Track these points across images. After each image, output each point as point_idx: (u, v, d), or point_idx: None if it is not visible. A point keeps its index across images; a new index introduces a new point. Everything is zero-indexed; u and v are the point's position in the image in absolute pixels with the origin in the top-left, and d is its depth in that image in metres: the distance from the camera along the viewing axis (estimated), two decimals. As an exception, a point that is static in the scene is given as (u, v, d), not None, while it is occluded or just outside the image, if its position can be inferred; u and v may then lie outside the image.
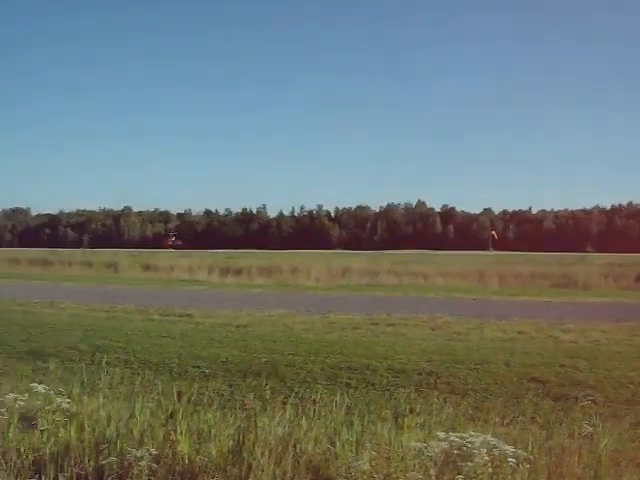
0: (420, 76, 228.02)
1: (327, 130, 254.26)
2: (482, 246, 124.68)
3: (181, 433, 5.67)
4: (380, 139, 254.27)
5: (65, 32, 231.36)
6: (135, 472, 5.03)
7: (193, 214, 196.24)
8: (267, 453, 5.35)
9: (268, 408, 6.67)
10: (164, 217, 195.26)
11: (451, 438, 5.23)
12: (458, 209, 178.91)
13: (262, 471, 5.16)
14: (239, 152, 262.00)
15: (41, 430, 5.84)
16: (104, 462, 5.24)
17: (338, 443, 5.64)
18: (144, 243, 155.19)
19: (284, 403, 7.22)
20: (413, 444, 5.39)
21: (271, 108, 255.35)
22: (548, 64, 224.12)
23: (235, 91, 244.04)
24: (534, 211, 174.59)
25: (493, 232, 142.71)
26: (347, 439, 5.76)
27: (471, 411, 8.33)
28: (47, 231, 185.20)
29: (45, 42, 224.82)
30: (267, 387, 8.11)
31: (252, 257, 58.81)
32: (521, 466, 4.94)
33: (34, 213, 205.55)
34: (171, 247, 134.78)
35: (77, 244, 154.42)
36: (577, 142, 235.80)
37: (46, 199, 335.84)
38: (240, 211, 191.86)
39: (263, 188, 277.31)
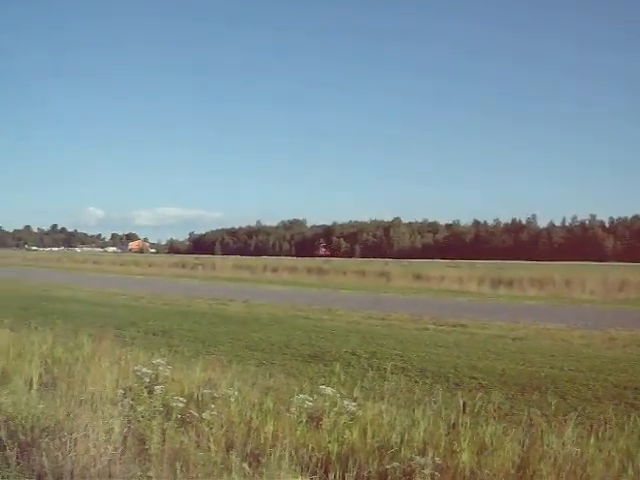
0: None
1: (601, 132, 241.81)
2: None
3: (464, 444, 5.59)
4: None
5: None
6: (418, 479, 5.03)
7: (462, 224, 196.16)
8: (554, 472, 5.10)
9: (553, 425, 6.34)
10: (433, 228, 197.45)
11: None
12: None
13: (549, 490, 4.95)
14: (508, 162, 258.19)
15: (327, 430, 6.06)
16: (388, 467, 5.29)
17: (631, 470, 5.23)
18: (413, 253, 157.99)
19: (567, 420, 6.83)
20: None
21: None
22: None
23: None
24: None
25: None
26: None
27: None
28: (322, 241, 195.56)
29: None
30: (551, 403, 7.76)
31: (522, 268, 57.51)
32: None
33: (309, 224, 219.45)
34: (322, 256, 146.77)
35: (349, 254, 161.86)
36: None
37: (321, 211, 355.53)
38: (509, 221, 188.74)
39: (533, 197, 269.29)
